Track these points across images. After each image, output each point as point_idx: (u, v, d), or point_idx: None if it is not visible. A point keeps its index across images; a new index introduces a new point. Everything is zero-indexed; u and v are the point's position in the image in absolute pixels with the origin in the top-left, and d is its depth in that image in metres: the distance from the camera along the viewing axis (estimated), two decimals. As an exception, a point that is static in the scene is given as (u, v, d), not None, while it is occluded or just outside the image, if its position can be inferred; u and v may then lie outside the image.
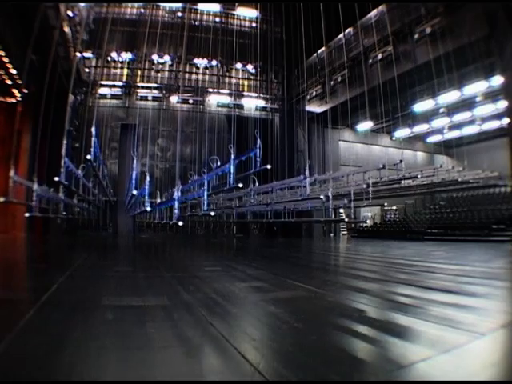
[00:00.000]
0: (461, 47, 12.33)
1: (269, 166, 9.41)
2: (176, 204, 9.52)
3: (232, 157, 8.92)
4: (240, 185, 9.50)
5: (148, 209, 10.81)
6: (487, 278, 5.24)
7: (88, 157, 9.36)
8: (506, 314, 3.17)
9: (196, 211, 12.89)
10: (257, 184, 11.47)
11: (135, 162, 10.88)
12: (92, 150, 9.36)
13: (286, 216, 13.82)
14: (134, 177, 11.98)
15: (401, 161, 10.24)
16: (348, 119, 18.66)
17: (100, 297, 3.57)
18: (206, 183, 9.80)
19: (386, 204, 22.15)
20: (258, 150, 8.60)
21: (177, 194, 9.35)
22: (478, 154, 20.24)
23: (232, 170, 9.05)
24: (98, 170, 12.02)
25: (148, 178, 9.18)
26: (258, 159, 8.77)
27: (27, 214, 9.14)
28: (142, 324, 2.69)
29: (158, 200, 12.71)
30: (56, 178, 9.42)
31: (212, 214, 10.57)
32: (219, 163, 9.80)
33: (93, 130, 9.59)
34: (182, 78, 22.36)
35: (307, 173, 10.10)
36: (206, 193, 9.81)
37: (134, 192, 9.78)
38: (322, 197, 9.38)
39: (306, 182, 10.26)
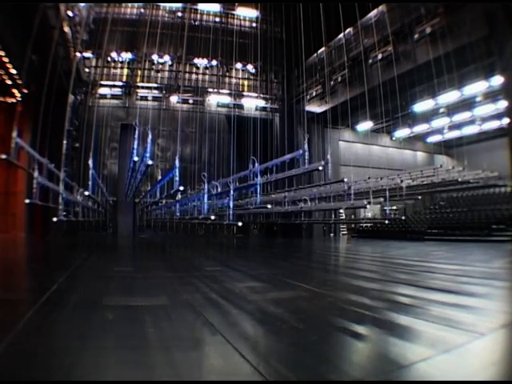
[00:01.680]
0: (461, 47, 12.31)
1: (269, 206, 10.28)
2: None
3: (231, 192, 9.43)
4: (239, 223, 10.27)
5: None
6: (487, 278, 5.24)
7: (86, 193, 10.10)
8: (505, 314, 3.17)
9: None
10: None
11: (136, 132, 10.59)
12: (90, 183, 9.83)
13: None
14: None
15: (402, 181, 10.67)
16: (348, 119, 18.62)
17: (100, 297, 3.57)
18: (205, 208, 10.27)
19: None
20: (258, 187, 8.98)
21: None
22: (478, 154, 20.23)
23: (232, 206, 9.74)
24: (98, 196, 12.45)
25: (150, 136, 8.86)
26: (259, 193, 9.57)
27: (27, 201, 9.02)
28: (141, 324, 2.69)
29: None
30: (54, 219, 9.74)
31: (212, 217, 10.71)
32: (219, 189, 10.22)
33: (90, 162, 9.98)
34: (182, 78, 22.34)
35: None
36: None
37: (136, 158, 9.52)
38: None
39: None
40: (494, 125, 20.34)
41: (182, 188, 8.68)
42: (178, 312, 3.12)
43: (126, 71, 21.89)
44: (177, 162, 8.95)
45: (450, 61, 12.57)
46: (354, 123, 22.44)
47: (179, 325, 2.75)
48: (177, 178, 8.84)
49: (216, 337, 2.44)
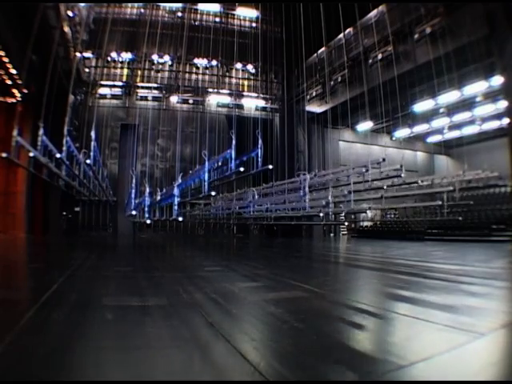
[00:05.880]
0: (461, 47, 12.32)
1: (270, 166, 8.90)
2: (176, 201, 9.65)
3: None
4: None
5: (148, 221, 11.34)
6: (487, 278, 5.24)
7: (88, 161, 9.54)
8: (505, 314, 3.17)
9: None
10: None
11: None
12: (91, 153, 9.48)
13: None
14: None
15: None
16: (348, 119, 18.63)
17: (100, 297, 3.57)
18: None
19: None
20: (259, 150, 8.29)
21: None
22: (478, 154, 20.22)
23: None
24: (98, 174, 12.15)
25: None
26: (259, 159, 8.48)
27: (31, 154, 8.08)
28: (141, 324, 2.69)
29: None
30: (58, 154, 9.19)
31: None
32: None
33: (92, 133, 9.68)
34: (182, 78, 22.35)
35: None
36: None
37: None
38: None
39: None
40: (494, 125, 20.34)
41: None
42: (177, 312, 3.12)
43: (126, 71, 21.90)
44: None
45: (450, 61, 12.59)
46: (353, 123, 22.44)
47: (178, 324, 2.75)
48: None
49: (215, 336, 2.44)
